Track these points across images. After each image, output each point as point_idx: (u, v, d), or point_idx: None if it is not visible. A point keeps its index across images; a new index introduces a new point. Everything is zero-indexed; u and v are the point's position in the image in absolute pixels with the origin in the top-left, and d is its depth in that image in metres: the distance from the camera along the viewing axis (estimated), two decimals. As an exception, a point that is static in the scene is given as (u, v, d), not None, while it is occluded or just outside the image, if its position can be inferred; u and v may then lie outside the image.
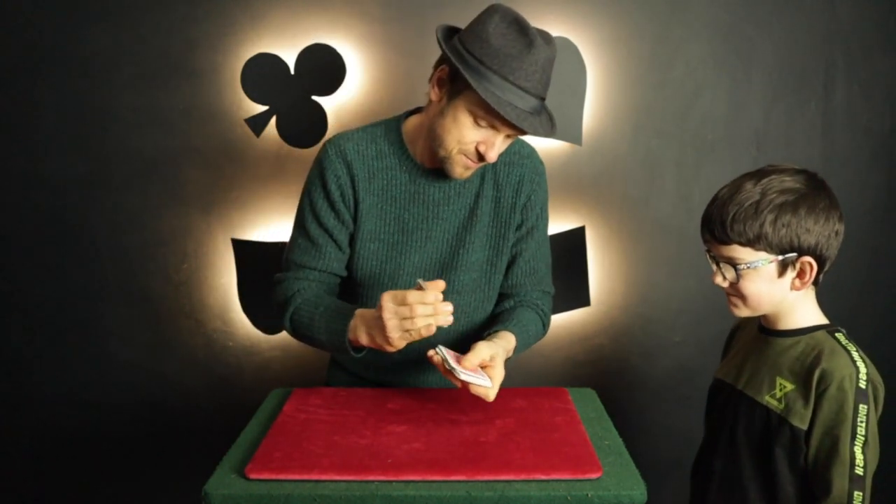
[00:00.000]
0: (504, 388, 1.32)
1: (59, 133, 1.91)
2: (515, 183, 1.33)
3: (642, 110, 1.96)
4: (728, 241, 1.12)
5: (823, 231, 1.10)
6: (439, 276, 1.32)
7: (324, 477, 0.99)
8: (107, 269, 1.99)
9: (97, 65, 1.89)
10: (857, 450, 1.05)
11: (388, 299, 1.10)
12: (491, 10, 1.15)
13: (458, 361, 1.12)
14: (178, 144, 1.93)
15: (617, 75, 1.94)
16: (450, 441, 1.10)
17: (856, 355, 1.09)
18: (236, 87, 1.89)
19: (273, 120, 1.91)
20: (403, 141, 1.29)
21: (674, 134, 1.97)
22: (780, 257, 1.11)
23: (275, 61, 1.89)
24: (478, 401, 1.20)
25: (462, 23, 1.19)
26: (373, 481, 0.98)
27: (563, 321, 2.04)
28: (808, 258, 1.11)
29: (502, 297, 1.42)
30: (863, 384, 1.06)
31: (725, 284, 1.16)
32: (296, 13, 1.88)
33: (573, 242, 1.99)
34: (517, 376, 2.05)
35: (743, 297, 1.15)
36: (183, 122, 1.92)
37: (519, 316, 1.35)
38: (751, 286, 1.13)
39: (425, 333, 1.10)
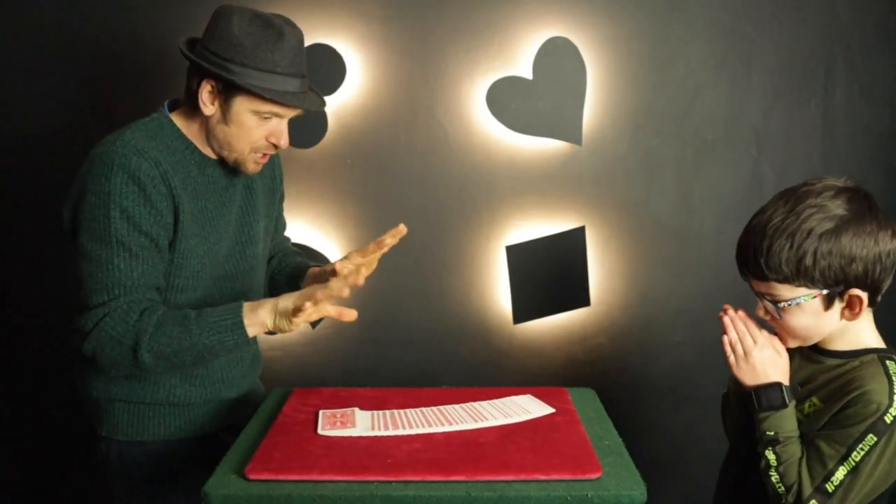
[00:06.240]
0: (504, 389, 1.34)
1: (59, 133, 1.91)
2: (274, 156, 1.40)
3: (642, 110, 1.96)
4: (765, 278, 1.02)
5: (872, 256, 0.98)
6: (239, 256, 1.36)
7: (323, 477, 0.99)
8: (107, 269, 1.98)
9: (97, 64, 1.88)
10: (841, 469, 0.98)
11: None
12: (226, 14, 1.21)
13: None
14: (178, 144, 1.92)
15: (617, 75, 1.94)
16: (450, 441, 1.10)
17: None
18: (236, 87, 1.89)
19: (273, 120, 1.91)
20: (185, 135, 1.27)
21: (674, 134, 1.97)
22: (825, 291, 1.00)
23: (275, 61, 1.88)
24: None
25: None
26: (372, 481, 0.98)
27: (563, 321, 2.04)
28: (856, 291, 0.99)
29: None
30: (889, 419, 0.96)
31: (769, 318, 1.07)
32: (296, 13, 1.86)
33: (573, 242, 1.98)
34: (517, 376, 2.06)
35: (789, 331, 1.06)
36: (183, 122, 1.91)
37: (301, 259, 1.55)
38: (795, 321, 1.04)
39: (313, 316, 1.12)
